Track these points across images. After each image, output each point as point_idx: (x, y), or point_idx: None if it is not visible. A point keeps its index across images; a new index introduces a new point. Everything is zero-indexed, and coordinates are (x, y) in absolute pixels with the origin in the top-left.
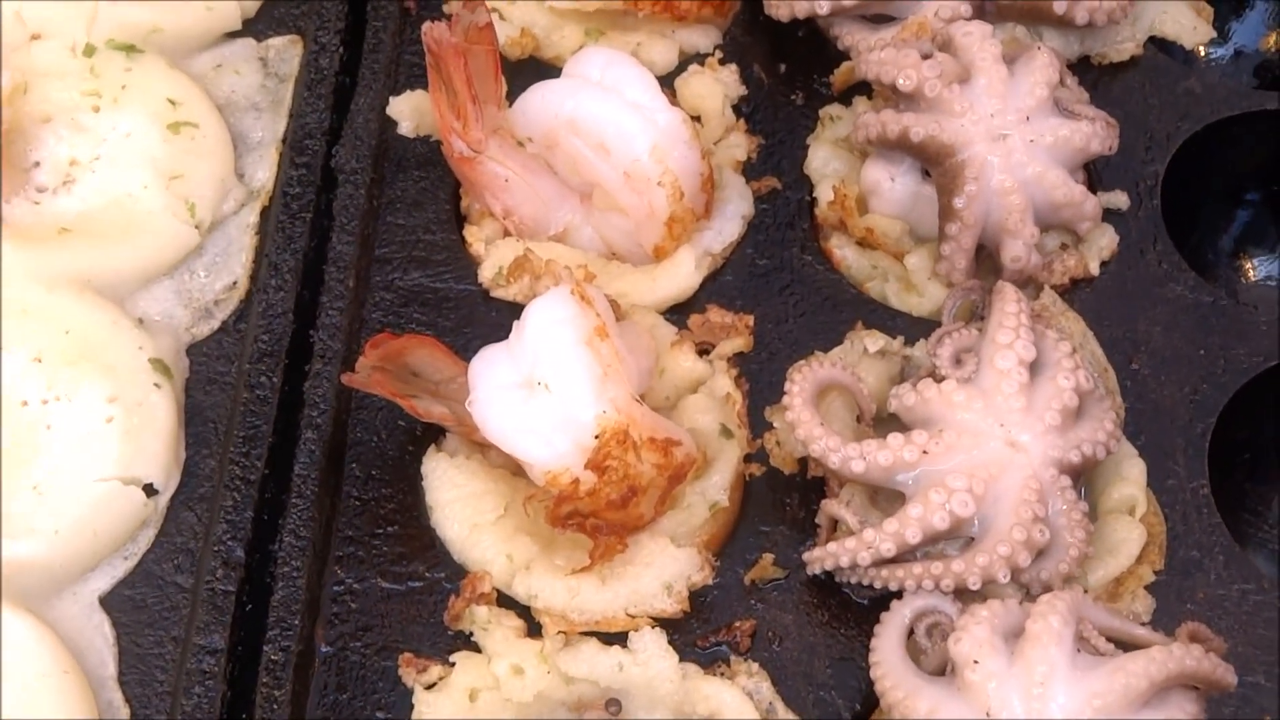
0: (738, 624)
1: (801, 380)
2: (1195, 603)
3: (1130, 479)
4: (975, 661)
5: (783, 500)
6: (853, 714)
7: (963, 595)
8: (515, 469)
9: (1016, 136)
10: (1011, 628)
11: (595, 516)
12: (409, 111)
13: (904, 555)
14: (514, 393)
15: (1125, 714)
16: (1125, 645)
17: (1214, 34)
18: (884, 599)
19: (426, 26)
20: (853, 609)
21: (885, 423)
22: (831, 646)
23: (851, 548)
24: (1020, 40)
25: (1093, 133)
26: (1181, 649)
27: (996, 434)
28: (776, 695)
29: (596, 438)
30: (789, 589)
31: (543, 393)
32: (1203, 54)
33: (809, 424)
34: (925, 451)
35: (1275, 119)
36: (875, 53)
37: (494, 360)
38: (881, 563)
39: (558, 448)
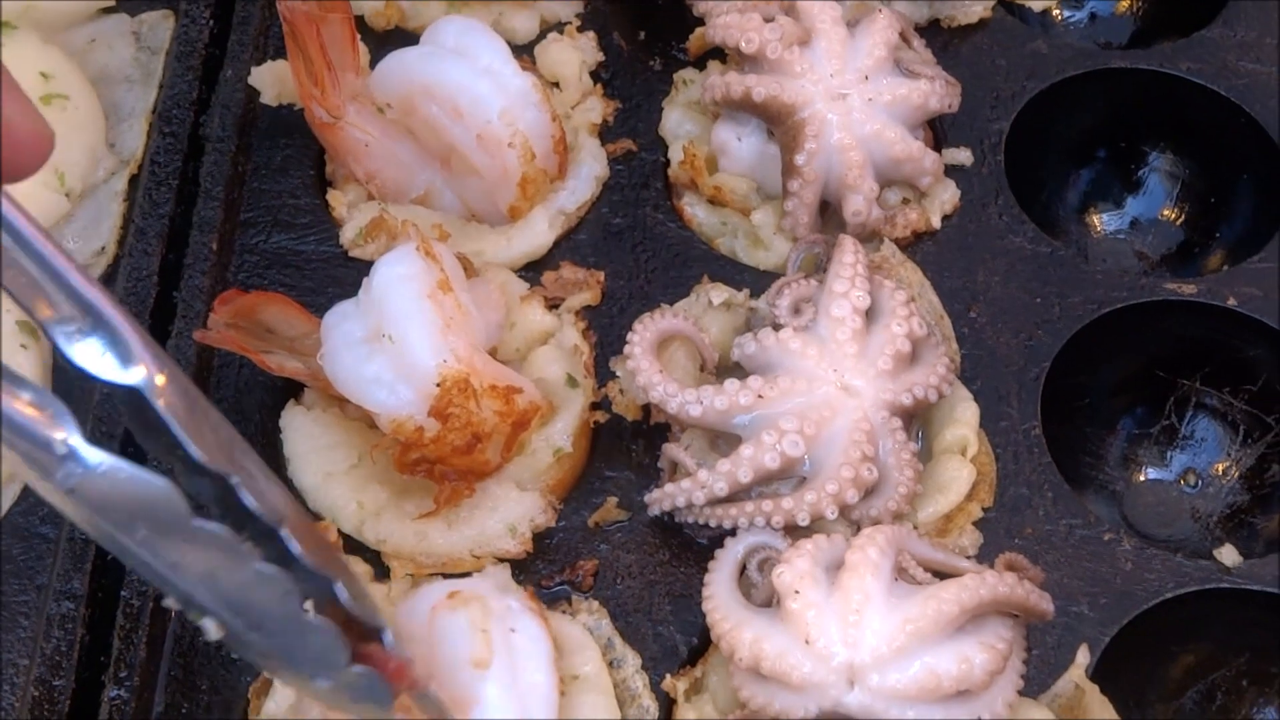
0: (581, 564)
1: (643, 330)
2: (1023, 538)
3: (963, 421)
4: (796, 591)
5: (628, 447)
6: (689, 648)
7: (794, 533)
8: (371, 422)
9: (855, 95)
10: (834, 560)
11: (442, 463)
12: (271, 80)
13: (739, 495)
14: (361, 346)
15: (939, 638)
16: (949, 577)
17: None
18: (722, 539)
19: None
20: (693, 549)
21: (730, 372)
22: (671, 584)
23: (687, 488)
24: (869, 4)
25: (931, 91)
26: (995, 576)
27: (830, 378)
28: (615, 631)
29: (438, 386)
30: (631, 530)
31: (387, 344)
32: (1059, 17)
33: (648, 371)
34: (760, 396)
35: (1119, 77)
36: (721, 17)
37: (343, 315)
38: (716, 502)
39: (401, 396)
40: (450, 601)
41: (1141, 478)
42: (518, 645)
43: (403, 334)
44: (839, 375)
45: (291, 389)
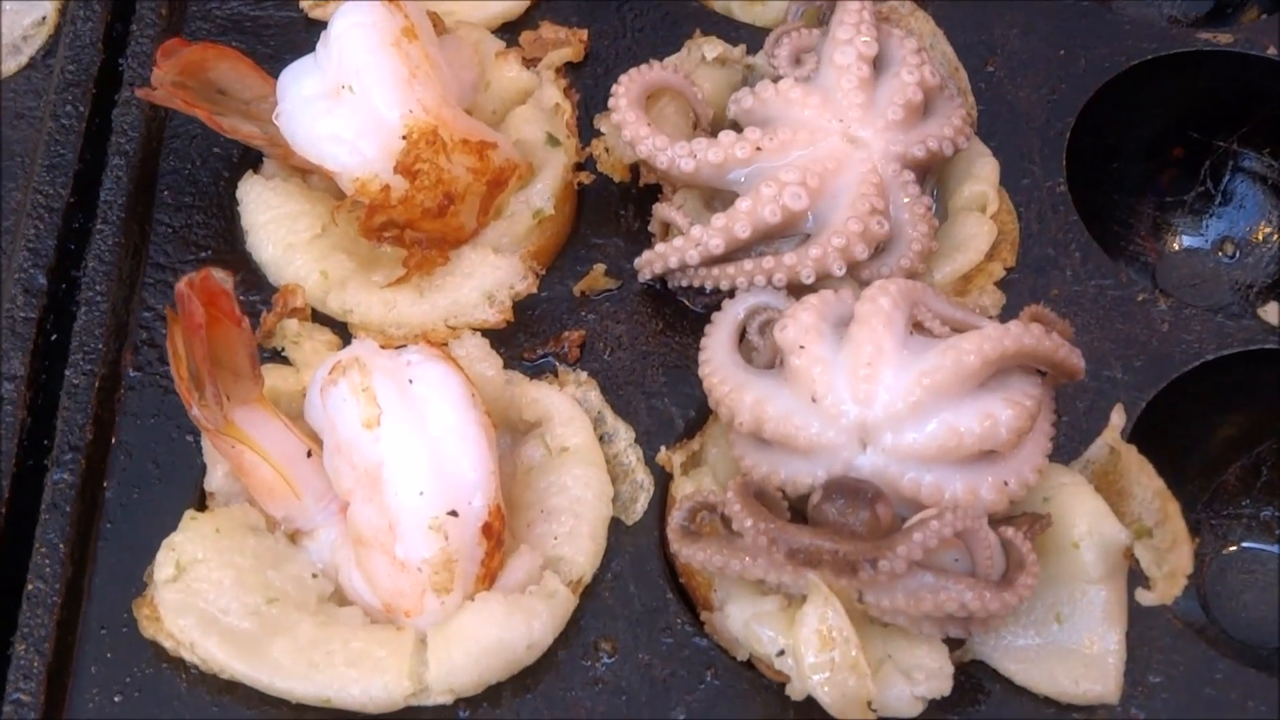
0: (566, 335)
1: (629, 81)
2: (1049, 299)
3: (981, 177)
4: (801, 346)
5: (616, 212)
6: (686, 421)
7: (798, 293)
8: (337, 192)
9: None
10: (843, 317)
11: (412, 227)
12: None
13: (737, 255)
14: (320, 101)
15: (959, 393)
16: None
17: None
18: (720, 308)
19: None
20: (688, 318)
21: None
22: (665, 355)
23: (680, 245)
24: None
25: None
26: (1019, 326)
27: (834, 129)
28: (606, 404)
29: (404, 139)
30: (621, 300)
31: (348, 96)
32: None
33: (635, 124)
34: (758, 148)
35: None
36: None
37: (301, 71)
38: (712, 261)
39: (365, 153)
40: (330, 376)
41: (1175, 247)
42: (419, 394)
43: (364, 84)
44: (844, 126)
45: (249, 161)
